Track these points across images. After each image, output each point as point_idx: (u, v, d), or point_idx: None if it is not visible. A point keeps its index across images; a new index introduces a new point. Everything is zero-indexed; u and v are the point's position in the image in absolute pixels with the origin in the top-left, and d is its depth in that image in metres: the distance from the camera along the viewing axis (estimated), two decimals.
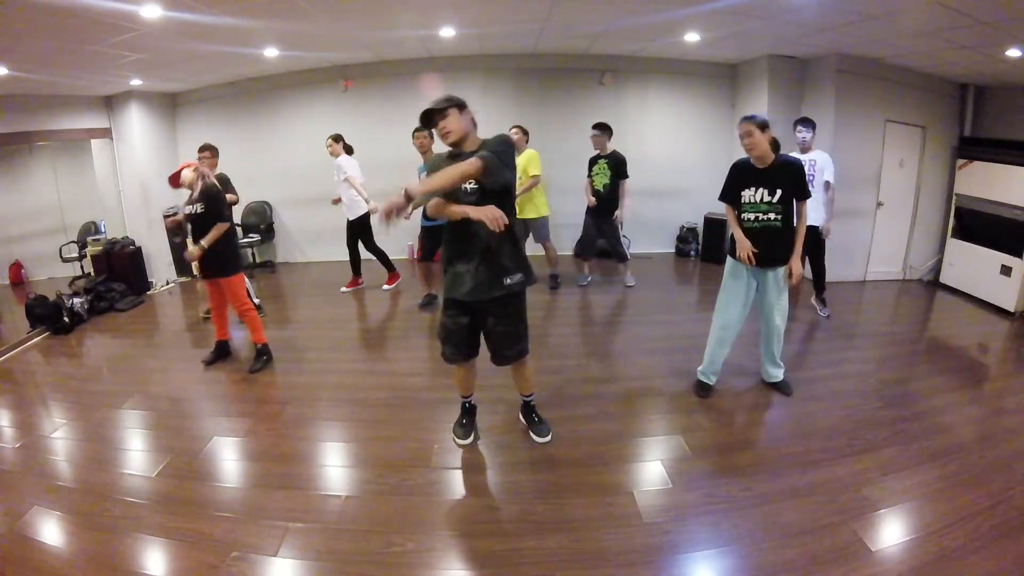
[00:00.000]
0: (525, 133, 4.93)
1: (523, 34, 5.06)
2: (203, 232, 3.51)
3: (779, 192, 2.83)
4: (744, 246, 2.88)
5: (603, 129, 5.01)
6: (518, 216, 3.28)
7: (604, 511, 2.25)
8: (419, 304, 4.94)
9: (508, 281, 2.36)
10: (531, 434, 2.78)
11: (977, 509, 2.21)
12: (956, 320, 4.86)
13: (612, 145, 5.07)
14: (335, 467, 2.69)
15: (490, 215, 2.13)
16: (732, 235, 3.01)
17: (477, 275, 2.33)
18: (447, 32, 4.73)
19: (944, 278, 5.64)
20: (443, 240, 2.45)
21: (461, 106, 2.32)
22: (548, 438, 2.74)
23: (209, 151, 4.51)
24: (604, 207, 5.03)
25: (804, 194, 2.92)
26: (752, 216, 2.90)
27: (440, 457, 2.67)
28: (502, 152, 2.21)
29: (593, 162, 5.10)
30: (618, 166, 4.98)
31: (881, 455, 2.61)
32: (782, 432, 2.90)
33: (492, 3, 3.97)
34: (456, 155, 2.33)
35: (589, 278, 5.53)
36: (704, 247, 6.60)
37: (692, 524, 2.18)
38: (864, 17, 3.80)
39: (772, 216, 2.87)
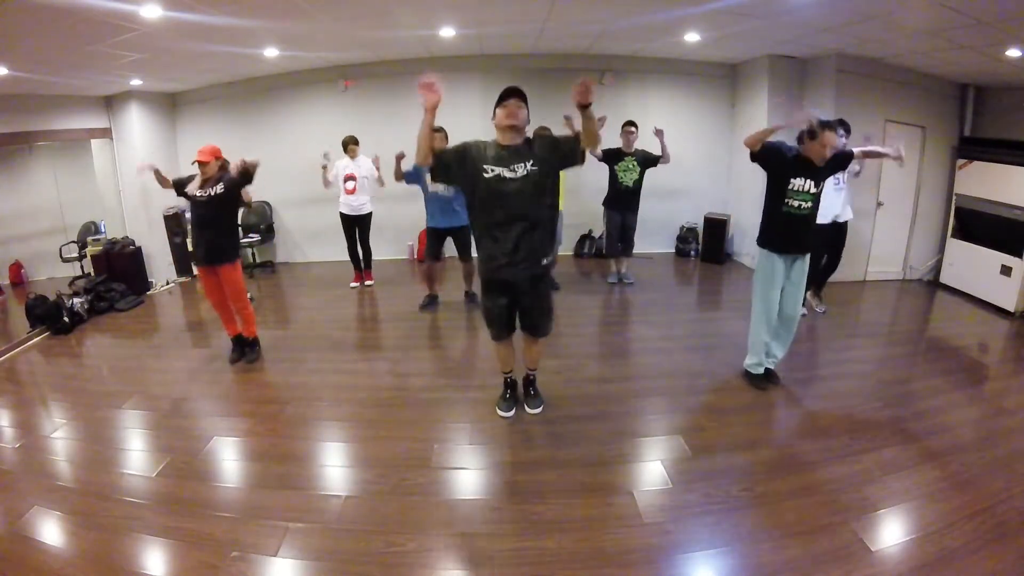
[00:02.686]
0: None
1: (523, 34, 5.05)
2: (213, 217, 3.48)
3: (821, 184, 2.97)
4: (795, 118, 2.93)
5: (637, 127, 5.01)
6: None
7: (604, 511, 2.26)
8: (420, 305, 4.93)
9: (545, 261, 2.60)
10: (524, 407, 3.02)
11: (977, 509, 2.21)
12: (956, 320, 4.85)
13: (615, 144, 5.08)
14: (335, 467, 2.69)
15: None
16: (767, 220, 3.10)
17: (515, 256, 2.50)
18: (447, 32, 4.73)
19: (944, 278, 5.63)
20: (478, 223, 2.57)
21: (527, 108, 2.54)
22: (539, 410, 3.00)
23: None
24: (632, 201, 5.15)
25: (845, 165, 3.11)
26: (796, 204, 2.98)
27: (440, 457, 2.67)
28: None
29: (617, 158, 5.05)
30: (647, 161, 5.07)
31: (881, 455, 2.61)
32: (782, 432, 2.90)
33: (492, 3, 3.97)
34: (506, 146, 2.49)
35: (620, 275, 5.55)
36: (704, 247, 6.60)
37: (692, 524, 2.18)
38: (864, 17, 3.80)
39: (810, 205, 2.99)
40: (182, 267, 6.29)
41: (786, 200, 2.98)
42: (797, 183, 2.95)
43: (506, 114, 2.45)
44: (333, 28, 4.31)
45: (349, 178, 5.13)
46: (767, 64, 5.67)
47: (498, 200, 2.46)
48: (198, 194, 3.45)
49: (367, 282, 5.60)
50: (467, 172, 2.49)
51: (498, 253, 2.51)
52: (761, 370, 3.31)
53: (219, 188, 3.44)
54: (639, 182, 5.09)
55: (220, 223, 3.53)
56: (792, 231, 3.03)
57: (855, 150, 3.12)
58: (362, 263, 5.56)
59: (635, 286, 5.47)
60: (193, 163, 3.42)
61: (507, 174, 2.44)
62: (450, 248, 4.77)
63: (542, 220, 2.53)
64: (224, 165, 3.51)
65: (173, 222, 6.02)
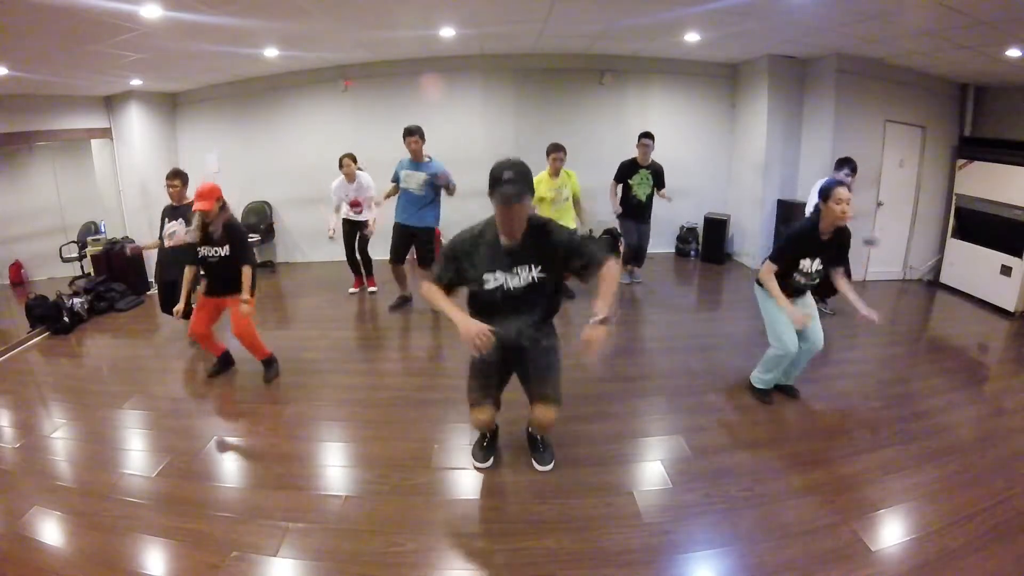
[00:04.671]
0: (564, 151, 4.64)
1: (523, 34, 5.05)
2: (226, 272, 3.35)
3: (827, 259, 2.88)
4: (797, 316, 2.83)
5: (653, 139, 4.97)
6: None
7: (604, 511, 2.26)
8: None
9: (545, 344, 2.29)
10: (533, 462, 2.56)
11: (977, 509, 2.21)
12: (956, 320, 4.86)
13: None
14: (335, 467, 2.69)
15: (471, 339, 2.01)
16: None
17: (511, 325, 2.20)
18: (447, 32, 4.73)
19: (944, 278, 5.64)
20: (475, 314, 2.20)
21: (532, 187, 2.10)
22: (550, 467, 2.52)
23: (179, 179, 3.97)
24: (645, 213, 5.17)
25: (843, 260, 2.96)
26: (802, 280, 2.90)
27: (440, 457, 2.67)
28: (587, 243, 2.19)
29: (632, 171, 5.04)
30: (660, 177, 5.06)
31: (881, 455, 2.61)
32: (782, 432, 2.90)
33: (492, 3, 3.97)
34: (508, 246, 2.12)
35: (634, 277, 5.58)
36: (704, 247, 6.60)
37: (692, 524, 2.18)
38: (864, 17, 3.80)
39: (815, 283, 2.94)
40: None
41: (793, 276, 2.90)
42: (805, 264, 2.86)
43: (504, 220, 2.03)
44: (333, 28, 4.31)
45: (354, 204, 5.02)
46: (767, 64, 5.68)
47: (499, 307, 2.17)
48: (208, 254, 3.34)
49: (370, 289, 5.49)
50: (464, 276, 2.17)
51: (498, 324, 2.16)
52: (771, 386, 3.18)
53: (225, 250, 3.31)
54: (651, 196, 5.11)
55: (225, 274, 3.38)
56: (797, 293, 2.99)
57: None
58: (362, 269, 5.45)
59: (635, 287, 5.48)
60: (194, 212, 3.26)
61: (509, 282, 2.13)
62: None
63: (556, 307, 2.31)
64: (225, 205, 3.32)
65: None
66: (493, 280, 2.13)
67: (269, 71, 5.95)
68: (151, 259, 5.94)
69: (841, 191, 2.70)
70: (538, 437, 2.59)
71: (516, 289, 2.14)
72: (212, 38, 4.07)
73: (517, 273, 2.13)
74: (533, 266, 2.13)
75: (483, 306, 2.22)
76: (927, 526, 2.13)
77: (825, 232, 2.81)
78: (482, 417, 2.38)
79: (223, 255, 3.34)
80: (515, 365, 2.37)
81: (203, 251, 3.35)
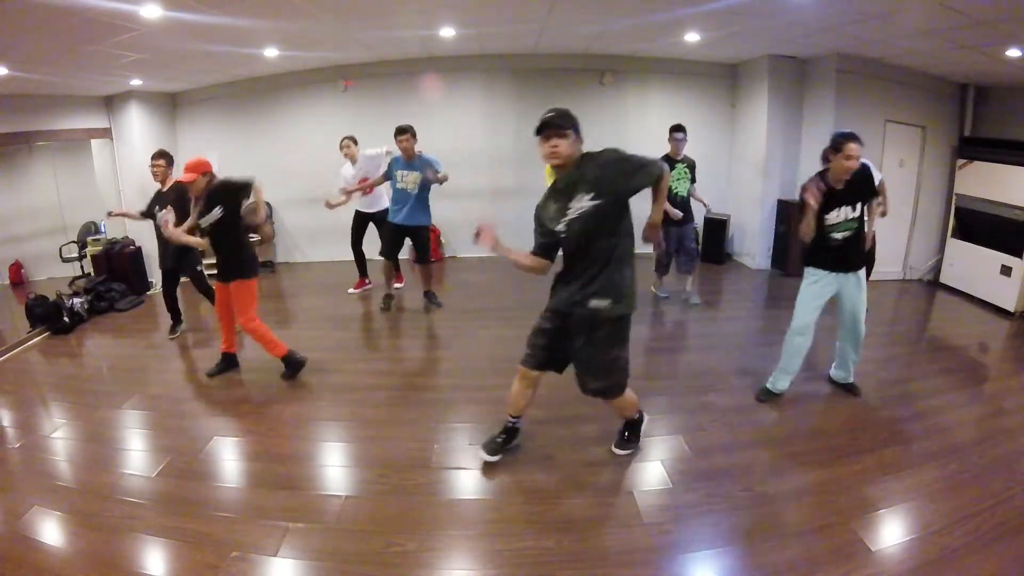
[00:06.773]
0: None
1: (523, 34, 5.06)
2: (218, 240, 3.34)
3: (859, 205, 2.83)
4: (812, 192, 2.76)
5: (686, 132, 4.62)
6: None
7: (604, 511, 2.26)
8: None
9: (593, 304, 2.19)
10: (613, 445, 2.66)
11: (977, 509, 2.21)
12: (956, 320, 4.86)
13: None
14: (335, 467, 2.69)
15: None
16: (812, 245, 2.93)
17: (568, 288, 2.26)
18: (447, 32, 4.73)
19: (944, 278, 5.63)
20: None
21: (578, 131, 2.15)
22: (624, 452, 2.62)
23: (164, 159, 4.08)
24: (685, 213, 4.71)
25: (874, 192, 2.94)
26: (840, 236, 2.85)
27: (440, 457, 2.67)
28: (633, 163, 2.13)
29: (669, 166, 4.63)
30: (694, 171, 4.70)
31: (881, 455, 2.61)
32: (782, 432, 2.90)
33: (492, 3, 3.97)
34: (560, 184, 2.18)
35: (686, 293, 5.06)
36: (704, 247, 6.59)
37: (692, 524, 2.18)
38: (864, 17, 3.81)
39: (855, 229, 2.86)
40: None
41: (829, 235, 2.86)
42: (832, 216, 2.82)
43: (547, 156, 2.09)
44: (333, 28, 4.31)
45: (362, 180, 4.95)
46: (767, 64, 5.68)
47: (569, 246, 2.21)
48: (200, 224, 3.31)
49: (396, 285, 5.26)
50: (545, 230, 2.25)
51: (562, 285, 2.30)
52: (786, 387, 3.16)
53: (217, 212, 3.25)
54: (689, 191, 4.67)
55: (224, 244, 3.37)
56: (839, 255, 2.90)
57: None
58: (363, 268, 5.39)
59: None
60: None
61: (571, 217, 2.11)
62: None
63: (610, 256, 2.17)
64: (212, 179, 3.31)
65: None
66: (562, 228, 2.15)
67: (269, 71, 5.95)
68: (150, 259, 5.97)
69: (853, 146, 2.65)
70: (629, 423, 2.67)
71: (574, 223, 2.11)
72: (212, 38, 4.07)
73: (571, 206, 2.10)
74: (584, 194, 2.07)
75: (564, 258, 2.28)
76: (927, 526, 2.13)
77: (836, 183, 2.78)
78: (519, 385, 2.46)
79: (218, 218, 3.27)
80: (567, 341, 2.33)
81: (202, 223, 3.32)
